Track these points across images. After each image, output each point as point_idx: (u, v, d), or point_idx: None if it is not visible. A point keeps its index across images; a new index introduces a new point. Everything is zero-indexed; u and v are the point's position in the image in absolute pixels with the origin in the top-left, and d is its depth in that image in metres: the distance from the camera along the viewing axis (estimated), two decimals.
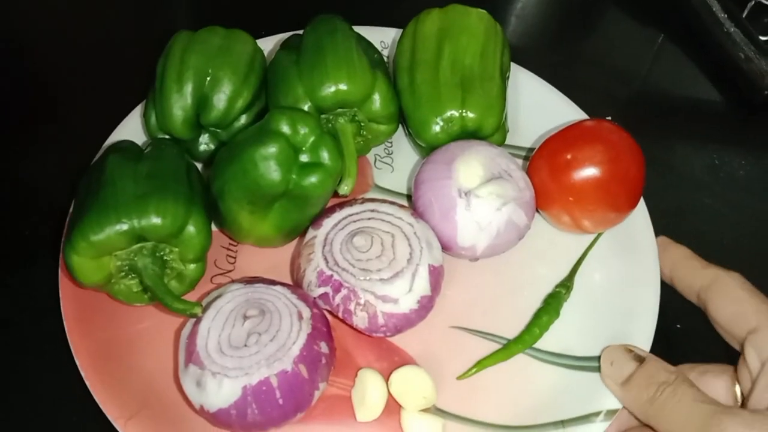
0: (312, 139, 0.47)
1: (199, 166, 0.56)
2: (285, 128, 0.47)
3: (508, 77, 0.60)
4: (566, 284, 0.54)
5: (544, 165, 0.54)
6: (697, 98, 0.76)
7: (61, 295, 0.50)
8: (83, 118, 0.66)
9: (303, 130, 0.47)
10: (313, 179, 0.47)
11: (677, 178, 0.67)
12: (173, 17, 0.80)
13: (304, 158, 0.48)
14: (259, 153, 0.46)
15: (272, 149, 0.46)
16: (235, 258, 0.55)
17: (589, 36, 0.83)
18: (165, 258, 0.47)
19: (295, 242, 0.55)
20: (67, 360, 0.48)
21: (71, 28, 0.76)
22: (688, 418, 0.41)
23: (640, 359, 0.45)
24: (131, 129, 0.59)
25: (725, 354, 0.55)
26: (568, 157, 0.52)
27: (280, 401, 0.42)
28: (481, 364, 0.50)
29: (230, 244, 0.55)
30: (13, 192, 0.62)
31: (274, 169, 0.46)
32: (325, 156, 0.48)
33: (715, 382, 0.46)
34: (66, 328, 0.49)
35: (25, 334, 0.53)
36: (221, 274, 0.54)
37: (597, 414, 0.47)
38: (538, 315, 0.52)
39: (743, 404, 0.44)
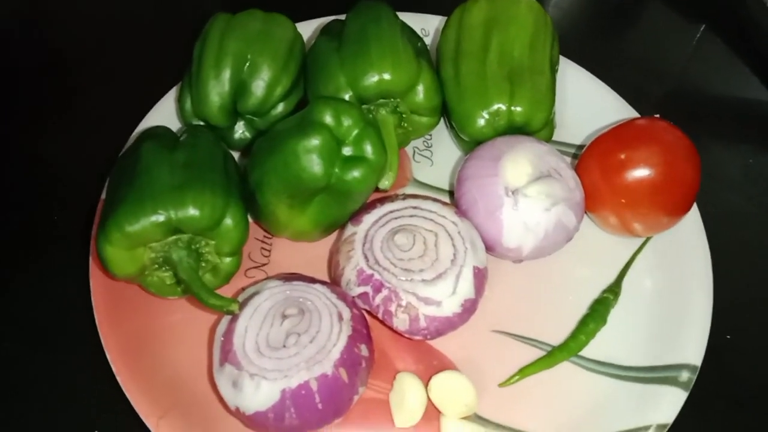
0: (356, 131, 0.45)
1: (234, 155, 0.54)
2: (328, 119, 0.45)
3: (557, 70, 0.58)
4: (614, 290, 0.51)
5: (595, 164, 0.51)
6: (737, 96, 0.72)
7: (91, 286, 0.48)
8: (115, 100, 0.64)
9: (347, 122, 0.45)
10: (356, 173, 0.45)
11: (711, 178, 0.62)
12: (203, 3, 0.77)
13: (347, 151, 0.45)
14: (302, 145, 0.43)
15: (315, 141, 0.44)
16: (269, 251, 0.53)
17: (628, 28, 0.79)
18: (200, 251, 0.46)
19: (331, 236, 0.53)
20: (96, 352, 0.46)
21: (103, 6, 0.74)
22: None
23: None
24: (164, 113, 0.57)
25: None
26: (622, 157, 0.50)
27: (320, 406, 0.40)
28: (524, 371, 0.48)
29: (265, 236, 0.53)
30: (42, 175, 0.60)
31: (316, 163, 0.44)
32: (368, 149, 0.45)
33: None
34: (96, 320, 0.47)
35: (54, 324, 0.51)
36: (256, 267, 0.52)
37: (646, 428, 0.45)
38: (584, 321, 0.50)
39: None
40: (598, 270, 0.53)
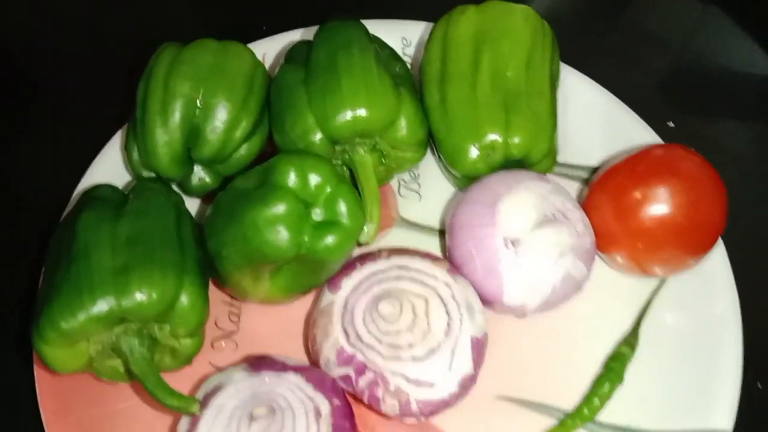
0: (327, 190, 0.39)
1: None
2: (293, 180, 0.38)
3: (558, 86, 0.50)
4: (630, 342, 0.46)
5: (607, 202, 0.45)
6: (743, 68, 0.67)
7: (36, 374, 0.42)
8: (63, 138, 0.57)
9: (315, 180, 0.39)
10: (329, 241, 0.39)
11: (719, 152, 0.58)
12: (170, 9, 0.69)
13: (317, 215, 0.39)
14: (263, 216, 0.37)
15: (278, 209, 0.37)
16: (238, 316, 0.47)
17: (629, 2, 0.72)
18: (153, 335, 0.39)
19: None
20: None
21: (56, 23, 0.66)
22: None
23: None
24: (114, 159, 0.50)
25: None
26: (638, 195, 0.43)
27: None
28: None
29: (233, 300, 0.47)
30: None
31: (281, 234, 0.37)
32: (343, 211, 0.39)
33: None
34: (41, 411, 0.41)
35: None
36: (223, 337, 0.46)
37: None
38: (598, 382, 0.44)
39: None
40: (612, 316, 0.47)
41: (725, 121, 0.62)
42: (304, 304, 0.47)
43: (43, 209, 0.49)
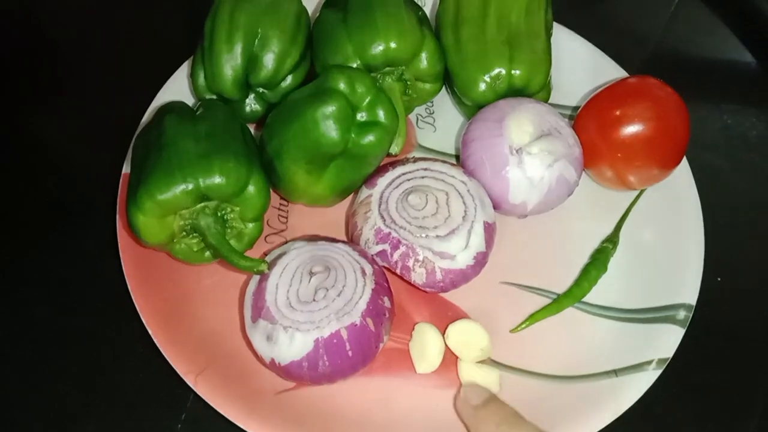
0: (369, 97, 0.48)
1: None
2: (343, 86, 0.47)
3: (551, 35, 0.60)
4: (612, 239, 0.55)
5: (592, 121, 0.54)
6: (717, 57, 0.74)
7: (122, 257, 0.51)
8: (125, 79, 0.66)
9: (360, 89, 0.47)
10: (371, 138, 0.48)
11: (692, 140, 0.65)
12: None
13: (361, 117, 0.48)
14: (321, 112, 0.46)
15: (332, 108, 0.46)
16: (287, 218, 0.55)
17: None
18: (226, 217, 0.48)
19: (343, 202, 0.56)
20: (132, 317, 0.49)
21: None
22: None
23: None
24: (175, 90, 0.59)
25: (759, 304, 0.56)
26: (617, 113, 0.53)
27: (350, 353, 0.43)
28: (533, 317, 0.51)
29: (281, 204, 0.56)
30: (59, 153, 0.62)
31: (333, 128, 0.46)
32: (381, 114, 0.48)
33: None
34: (130, 289, 0.49)
35: (84, 293, 0.54)
36: (275, 233, 0.55)
37: (649, 363, 0.49)
38: (586, 270, 0.53)
39: None
40: (597, 222, 0.56)
41: (698, 107, 0.67)
42: (341, 208, 0.56)
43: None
